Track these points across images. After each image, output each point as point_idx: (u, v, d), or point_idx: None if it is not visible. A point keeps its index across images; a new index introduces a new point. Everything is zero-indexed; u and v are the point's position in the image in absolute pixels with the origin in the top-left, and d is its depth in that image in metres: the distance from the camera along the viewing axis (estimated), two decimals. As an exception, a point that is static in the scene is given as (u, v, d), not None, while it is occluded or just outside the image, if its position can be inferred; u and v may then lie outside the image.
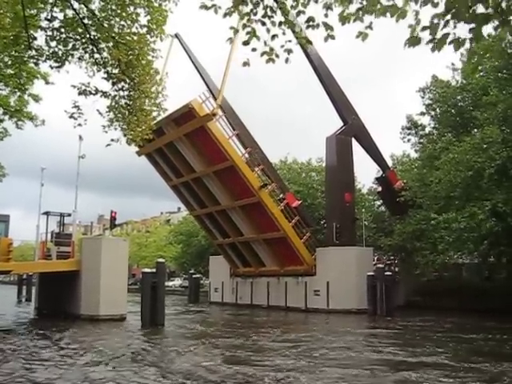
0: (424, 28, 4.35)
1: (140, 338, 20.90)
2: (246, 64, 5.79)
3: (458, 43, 4.31)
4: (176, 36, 36.79)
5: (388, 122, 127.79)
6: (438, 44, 4.35)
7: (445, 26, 4.28)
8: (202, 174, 37.47)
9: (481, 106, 30.26)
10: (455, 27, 4.26)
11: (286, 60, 5.61)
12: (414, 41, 4.43)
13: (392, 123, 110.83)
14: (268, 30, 5.33)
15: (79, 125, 10.66)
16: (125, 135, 11.35)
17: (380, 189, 42.88)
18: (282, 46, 5.50)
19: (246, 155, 36.90)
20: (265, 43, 5.41)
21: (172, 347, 17.67)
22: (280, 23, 5.40)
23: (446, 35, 4.31)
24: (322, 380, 11.99)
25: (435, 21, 4.31)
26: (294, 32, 5.80)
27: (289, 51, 5.52)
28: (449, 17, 4.22)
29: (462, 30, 4.29)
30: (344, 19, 4.87)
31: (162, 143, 37.15)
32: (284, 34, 5.46)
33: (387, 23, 4.77)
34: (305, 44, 6.53)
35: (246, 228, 38.62)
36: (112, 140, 11.31)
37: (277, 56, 5.54)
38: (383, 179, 40.86)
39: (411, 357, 15.45)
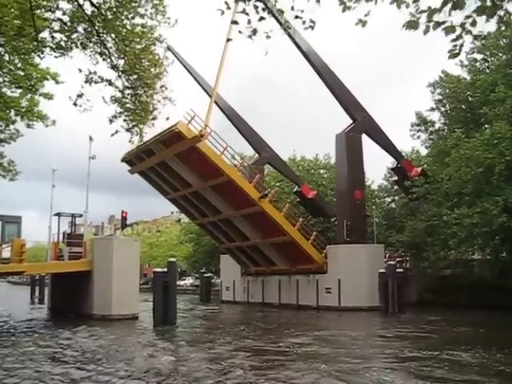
0: (422, 12, 4.63)
1: (153, 337, 21.05)
2: (229, 40, 5.95)
3: (450, 28, 4.59)
4: (168, 48, 35.90)
5: (396, 119, 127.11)
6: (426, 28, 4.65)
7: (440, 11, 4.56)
8: (200, 188, 36.22)
9: (490, 103, 30.08)
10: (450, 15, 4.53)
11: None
12: (412, 24, 4.69)
13: (400, 120, 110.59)
14: (257, 12, 5.40)
15: (85, 110, 10.86)
16: (128, 125, 11.51)
17: (396, 178, 42.39)
18: (266, 32, 5.56)
19: (241, 167, 36.74)
20: (249, 22, 5.45)
21: (184, 346, 17.77)
22: (269, 10, 5.47)
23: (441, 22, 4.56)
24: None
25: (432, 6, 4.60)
26: (276, 19, 5.89)
27: (268, 36, 5.58)
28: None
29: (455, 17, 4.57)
30: (345, 8, 5.00)
31: (153, 162, 35.79)
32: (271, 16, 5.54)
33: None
34: (286, 30, 6.57)
35: (251, 234, 38.24)
36: (117, 131, 11.57)
37: (254, 33, 5.58)
38: (399, 169, 40.49)
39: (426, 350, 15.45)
